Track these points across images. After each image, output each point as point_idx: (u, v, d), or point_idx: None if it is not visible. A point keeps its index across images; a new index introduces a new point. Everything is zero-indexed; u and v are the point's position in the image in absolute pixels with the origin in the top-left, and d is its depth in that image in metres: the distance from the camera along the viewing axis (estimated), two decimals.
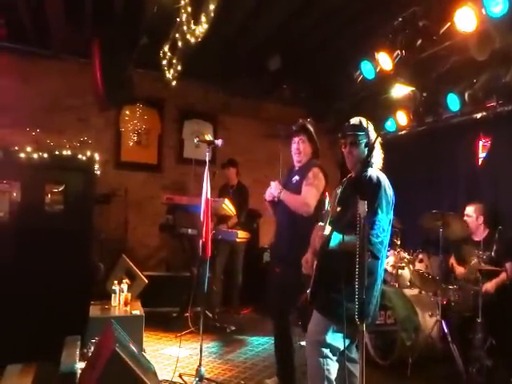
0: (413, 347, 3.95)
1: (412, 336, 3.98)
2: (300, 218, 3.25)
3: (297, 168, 3.54)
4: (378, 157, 2.71)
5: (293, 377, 3.38)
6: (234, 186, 5.81)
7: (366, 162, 2.55)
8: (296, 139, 3.50)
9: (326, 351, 2.56)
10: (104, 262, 4.93)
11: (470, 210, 4.55)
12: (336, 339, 2.53)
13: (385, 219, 2.48)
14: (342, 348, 2.54)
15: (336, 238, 2.46)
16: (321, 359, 2.56)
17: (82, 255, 4.08)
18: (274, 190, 3.43)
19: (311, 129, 3.58)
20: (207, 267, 3.67)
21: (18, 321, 3.64)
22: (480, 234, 4.47)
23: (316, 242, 2.73)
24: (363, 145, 2.64)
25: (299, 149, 3.50)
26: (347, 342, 2.58)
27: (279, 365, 3.51)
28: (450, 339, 3.94)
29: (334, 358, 2.60)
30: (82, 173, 4.22)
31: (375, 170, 2.64)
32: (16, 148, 3.98)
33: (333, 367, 2.59)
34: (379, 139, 2.70)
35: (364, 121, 2.70)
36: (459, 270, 4.52)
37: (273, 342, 3.54)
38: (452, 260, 4.65)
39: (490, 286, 4.12)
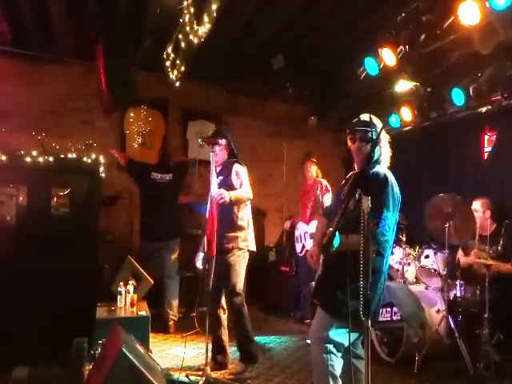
0: (419, 343, 3.93)
1: (418, 332, 3.96)
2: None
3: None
4: (386, 154, 2.70)
5: None
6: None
7: (372, 158, 2.54)
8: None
9: (330, 347, 2.55)
10: (110, 263, 4.97)
11: (476, 204, 4.51)
12: (339, 335, 2.53)
13: (391, 217, 2.48)
14: (346, 344, 2.53)
15: (338, 239, 2.45)
16: (325, 355, 2.56)
17: (88, 257, 4.12)
18: None
19: None
20: (212, 267, 3.68)
21: (25, 323, 3.68)
22: (487, 229, 4.43)
23: (320, 236, 2.74)
24: (373, 134, 2.60)
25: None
26: (353, 337, 2.58)
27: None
28: (457, 335, 3.92)
29: (339, 354, 2.59)
30: (87, 175, 4.26)
31: (383, 168, 2.63)
32: (22, 152, 4.03)
33: (337, 363, 2.58)
34: (388, 137, 2.71)
35: (374, 118, 2.69)
36: (465, 259, 4.48)
37: (279, 340, 3.64)
38: (459, 255, 4.62)
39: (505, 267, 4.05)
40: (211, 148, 3.80)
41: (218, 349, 3.92)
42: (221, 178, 3.86)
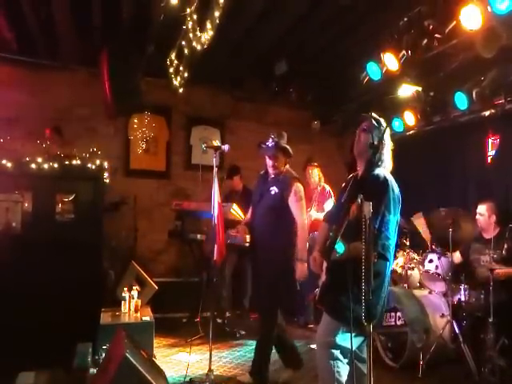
0: (424, 348, 3.92)
1: (423, 337, 3.95)
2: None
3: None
4: (387, 159, 2.70)
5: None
6: (240, 192, 5.82)
7: (372, 162, 2.54)
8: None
9: (336, 353, 2.56)
10: (114, 269, 4.99)
11: (482, 208, 4.50)
12: (346, 340, 2.52)
13: (393, 220, 2.49)
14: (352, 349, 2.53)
15: (341, 247, 2.44)
16: (331, 361, 2.56)
17: (93, 263, 4.14)
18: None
19: None
20: (216, 272, 3.69)
21: (30, 328, 3.69)
22: (491, 232, 4.43)
23: (322, 241, 2.75)
24: (374, 138, 2.60)
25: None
26: (359, 341, 2.58)
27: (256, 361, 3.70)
28: (461, 340, 3.91)
29: (345, 361, 2.59)
30: (91, 182, 4.28)
31: (382, 170, 2.63)
32: (27, 159, 4.06)
33: (343, 369, 2.59)
34: (391, 144, 2.71)
35: (382, 120, 2.71)
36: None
37: None
38: (455, 258, 4.61)
39: (502, 271, 4.01)
40: (215, 154, 3.81)
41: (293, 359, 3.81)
42: (274, 189, 3.64)
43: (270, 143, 3.73)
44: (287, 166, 3.79)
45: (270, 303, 3.61)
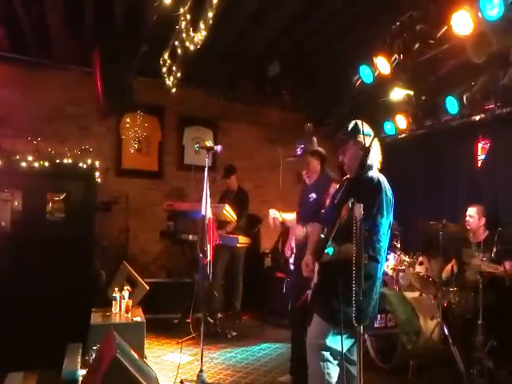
0: (414, 350, 3.94)
1: (413, 339, 3.97)
2: None
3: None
4: (375, 158, 2.72)
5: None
6: (234, 191, 5.83)
7: (363, 164, 2.56)
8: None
9: (327, 355, 2.57)
10: (105, 269, 4.96)
11: (472, 210, 4.55)
12: (336, 342, 2.53)
13: (385, 223, 2.51)
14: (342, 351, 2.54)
15: (331, 249, 2.44)
16: (321, 363, 2.57)
17: (84, 263, 4.12)
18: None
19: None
20: (208, 273, 3.68)
21: (19, 328, 3.67)
22: (480, 236, 4.48)
23: (314, 244, 2.76)
24: (354, 150, 2.65)
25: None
26: (349, 343, 2.59)
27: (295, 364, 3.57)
28: (451, 342, 3.93)
29: (335, 362, 2.60)
30: (83, 181, 4.27)
31: (375, 172, 2.65)
32: (18, 157, 4.03)
33: (333, 371, 2.60)
34: (376, 140, 2.72)
35: (351, 126, 2.71)
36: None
37: (274, 347, 3.53)
38: (453, 262, 4.65)
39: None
40: (207, 155, 3.80)
41: None
42: (313, 195, 3.45)
43: (297, 152, 3.57)
44: (324, 168, 3.61)
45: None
